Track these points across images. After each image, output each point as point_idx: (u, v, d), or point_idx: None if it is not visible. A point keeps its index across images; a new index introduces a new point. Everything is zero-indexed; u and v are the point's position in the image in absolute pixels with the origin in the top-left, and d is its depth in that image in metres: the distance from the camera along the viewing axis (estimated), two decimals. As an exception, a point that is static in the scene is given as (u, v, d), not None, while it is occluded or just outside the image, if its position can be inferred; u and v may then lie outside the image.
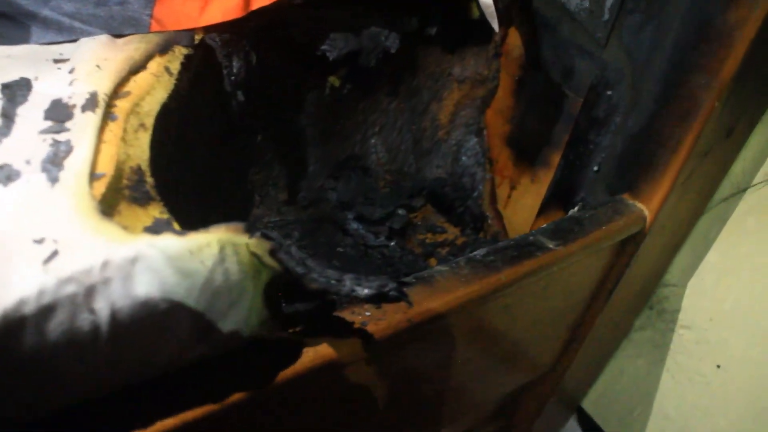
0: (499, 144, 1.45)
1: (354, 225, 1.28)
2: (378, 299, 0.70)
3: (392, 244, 1.26)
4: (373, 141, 1.40)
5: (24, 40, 0.85)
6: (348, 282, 0.69)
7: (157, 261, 0.61)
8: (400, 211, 1.31)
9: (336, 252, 1.25)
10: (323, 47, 1.15)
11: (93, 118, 0.70)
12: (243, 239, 0.67)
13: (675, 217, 1.21)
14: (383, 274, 1.24)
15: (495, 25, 1.17)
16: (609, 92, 1.16)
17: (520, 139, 1.42)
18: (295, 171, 1.32)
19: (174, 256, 0.62)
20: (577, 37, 1.25)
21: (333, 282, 0.69)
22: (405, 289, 0.86)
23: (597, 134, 1.20)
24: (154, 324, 0.62)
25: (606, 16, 1.16)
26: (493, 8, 1.14)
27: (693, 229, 1.32)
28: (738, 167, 1.22)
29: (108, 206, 0.66)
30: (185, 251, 0.62)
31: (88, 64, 0.77)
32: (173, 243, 0.62)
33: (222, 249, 0.65)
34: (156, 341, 0.64)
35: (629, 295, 1.33)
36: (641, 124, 1.12)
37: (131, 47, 0.85)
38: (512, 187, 1.46)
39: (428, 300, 0.85)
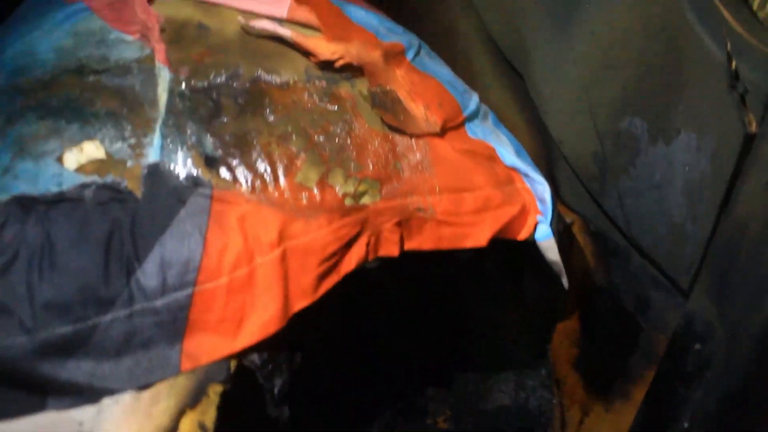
0: (567, 366, 1.32)
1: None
2: None
3: None
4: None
5: (39, 407, 0.75)
6: None
7: None
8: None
9: None
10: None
11: None
12: None
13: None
14: None
15: (565, 282, 1.05)
16: (697, 346, 1.02)
17: (589, 365, 1.28)
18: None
19: None
20: (651, 267, 1.12)
21: None
22: None
23: (685, 387, 1.05)
24: None
25: (688, 261, 1.03)
26: (561, 265, 1.03)
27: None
28: None
29: None
30: None
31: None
32: None
33: None
34: None
35: None
36: (740, 385, 0.98)
37: (159, 409, 0.74)
38: (584, 413, 1.31)
39: None
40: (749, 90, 0.90)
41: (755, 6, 1.00)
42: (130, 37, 0.98)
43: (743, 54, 0.91)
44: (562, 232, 1.17)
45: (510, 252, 1.16)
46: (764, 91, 0.88)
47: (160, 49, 0.97)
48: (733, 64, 0.90)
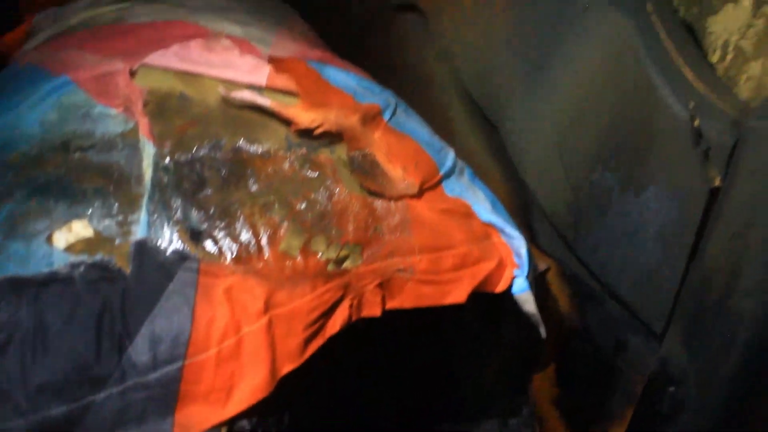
0: (547, 405, 1.35)
1: None
2: None
3: None
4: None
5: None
6: None
7: None
8: None
9: None
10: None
11: None
12: None
13: None
14: None
15: (542, 332, 1.08)
16: (671, 389, 1.05)
17: (569, 403, 1.31)
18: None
19: None
20: (627, 313, 1.15)
21: None
22: None
23: (662, 427, 1.09)
24: None
25: (661, 307, 1.06)
26: (538, 316, 1.06)
27: None
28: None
29: None
30: None
31: None
32: None
33: None
34: None
35: None
36: (712, 426, 1.01)
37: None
38: (567, 449, 1.34)
39: None
40: (711, 147, 0.93)
41: (715, 59, 1.03)
42: (114, 111, 1.01)
43: (705, 113, 0.94)
44: (538, 279, 1.20)
45: (488, 303, 1.19)
46: (726, 147, 0.92)
47: (143, 123, 0.99)
48: (696, 122, 0.94)
